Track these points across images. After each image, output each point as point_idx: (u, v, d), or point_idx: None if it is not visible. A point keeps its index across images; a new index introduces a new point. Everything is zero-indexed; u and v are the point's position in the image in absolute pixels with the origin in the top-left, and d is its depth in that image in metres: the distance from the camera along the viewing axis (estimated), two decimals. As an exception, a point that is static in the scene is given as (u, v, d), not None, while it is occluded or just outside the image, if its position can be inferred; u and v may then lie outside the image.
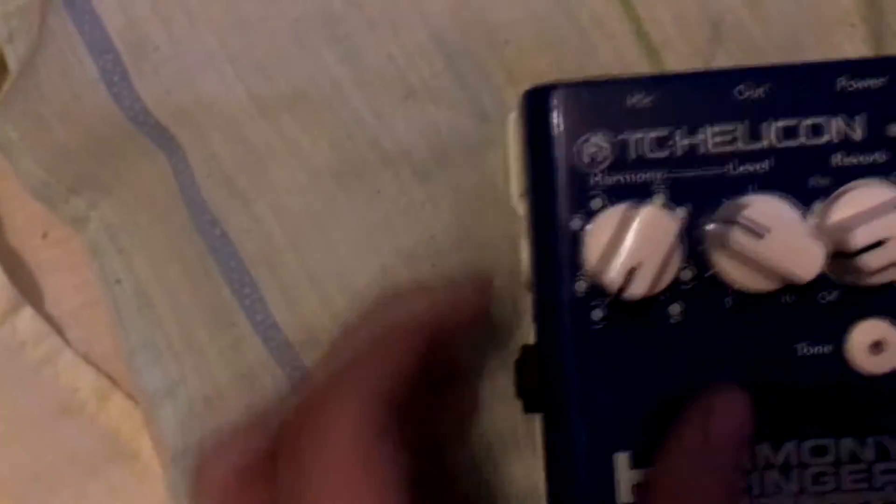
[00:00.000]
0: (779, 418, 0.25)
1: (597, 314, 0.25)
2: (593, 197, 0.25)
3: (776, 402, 0.25)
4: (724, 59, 0.30)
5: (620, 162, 0.25)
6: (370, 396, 0.23)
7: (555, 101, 0.25)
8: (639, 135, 0.25)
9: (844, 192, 0.24)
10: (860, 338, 0.25)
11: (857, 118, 0.25)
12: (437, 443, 0.29)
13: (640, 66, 0.30)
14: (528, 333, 0.27)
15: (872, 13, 0.30)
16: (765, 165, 0.25)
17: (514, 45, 0.31)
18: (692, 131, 0.25)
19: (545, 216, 0.25)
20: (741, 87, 0.25)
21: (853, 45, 0.30)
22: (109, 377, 0.35)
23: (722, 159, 0.25)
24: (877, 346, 0.24)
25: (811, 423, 0.25)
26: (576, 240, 0.25)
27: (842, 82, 0.25)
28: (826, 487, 0.25)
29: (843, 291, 0.25)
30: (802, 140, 0.25)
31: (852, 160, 0.25)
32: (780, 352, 0.25)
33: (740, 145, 0.25)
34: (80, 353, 0.35)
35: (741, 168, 0.25)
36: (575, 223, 0.25)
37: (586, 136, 0.25)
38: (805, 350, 0.25)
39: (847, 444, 0.25)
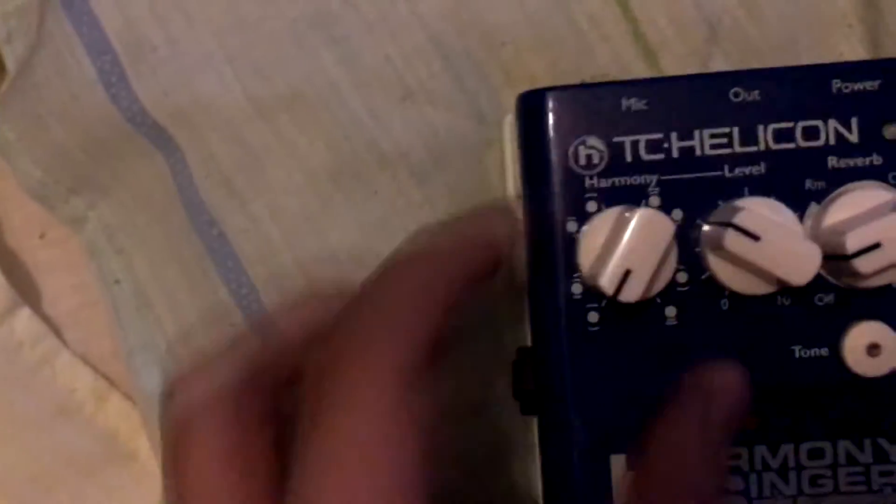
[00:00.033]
0: (776, 421, 0.25)
1: (592, 316, 0.25)
2: (589, 200, 0.25)
3: (773, 404, 0.25)
4: (720, 60, 0.30)
5: (616, 165, 0.25)
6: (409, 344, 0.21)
7: (550, 104, 0.25)
8: (634, 138, 0.25)
9: (840, 195, 0.24)
10: (857, 340, 0.24)
11: (853, 121, 0.24)
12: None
13: (637, 67, 0.30)
14: (524, 335, 0.27)
15: (869, 14, 0.30)
16: (760, 168, 0.25)
17: (512, 46, 0.31)
18: (687, 134, 0.25)
19: (541, 218, 0.25)
20: (736, 90, 0.25)
21: (850, 46, 0.30)
22: (107, 378, 0.35)
23: (717, 162, 0.25)
24: (873, 349, 0.24)
25: (808, 425, 0.25)
26: (571, 242, 0.25)
27: (836, 85, 0.25)
28: (823, 490, 0.25)
29: (840, 294, 0.25)
30: (797, 143, 0.25)
31: (848, 163, 0.24)
32: (776, 354, 0.25)
33: (735, 148, 0.25)
34: (77, 353, 0.35)
35: (736, 171, 0.25)
36: (570, 226, 0.25)
37: (582, 138, 0.25)
38: (801, 352, 0.25)
39: (844, 446, 0.25)
